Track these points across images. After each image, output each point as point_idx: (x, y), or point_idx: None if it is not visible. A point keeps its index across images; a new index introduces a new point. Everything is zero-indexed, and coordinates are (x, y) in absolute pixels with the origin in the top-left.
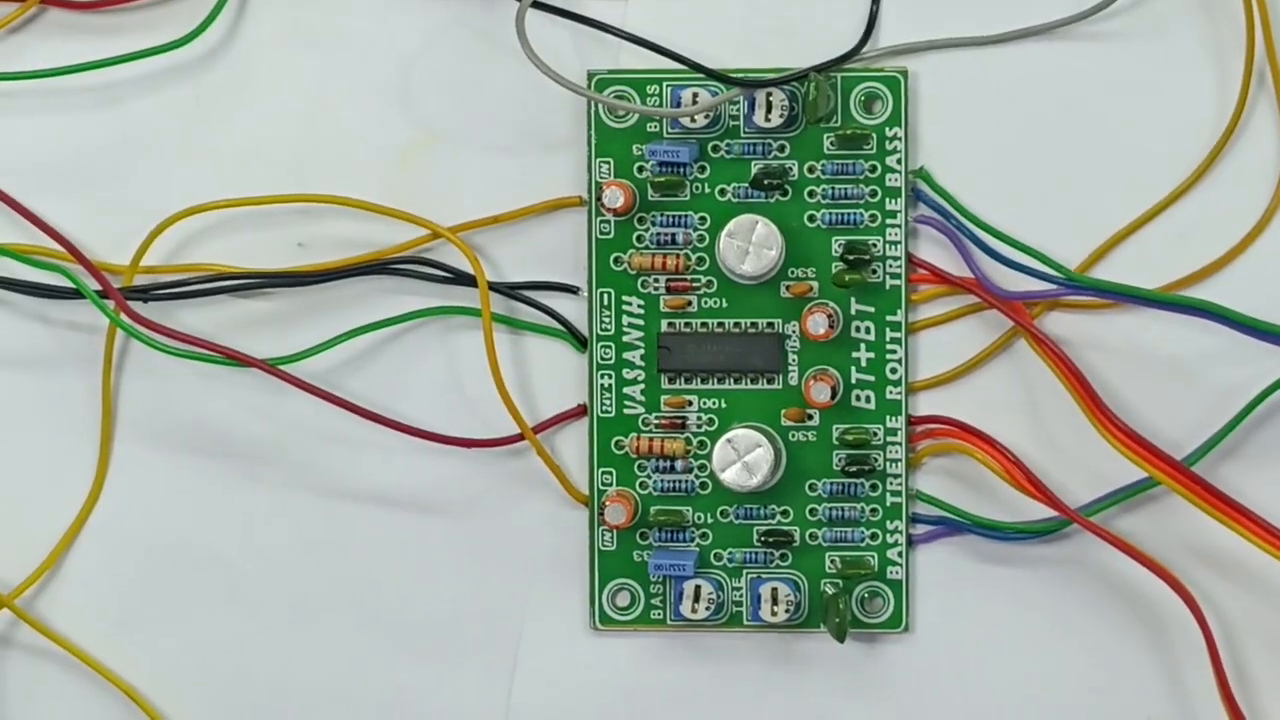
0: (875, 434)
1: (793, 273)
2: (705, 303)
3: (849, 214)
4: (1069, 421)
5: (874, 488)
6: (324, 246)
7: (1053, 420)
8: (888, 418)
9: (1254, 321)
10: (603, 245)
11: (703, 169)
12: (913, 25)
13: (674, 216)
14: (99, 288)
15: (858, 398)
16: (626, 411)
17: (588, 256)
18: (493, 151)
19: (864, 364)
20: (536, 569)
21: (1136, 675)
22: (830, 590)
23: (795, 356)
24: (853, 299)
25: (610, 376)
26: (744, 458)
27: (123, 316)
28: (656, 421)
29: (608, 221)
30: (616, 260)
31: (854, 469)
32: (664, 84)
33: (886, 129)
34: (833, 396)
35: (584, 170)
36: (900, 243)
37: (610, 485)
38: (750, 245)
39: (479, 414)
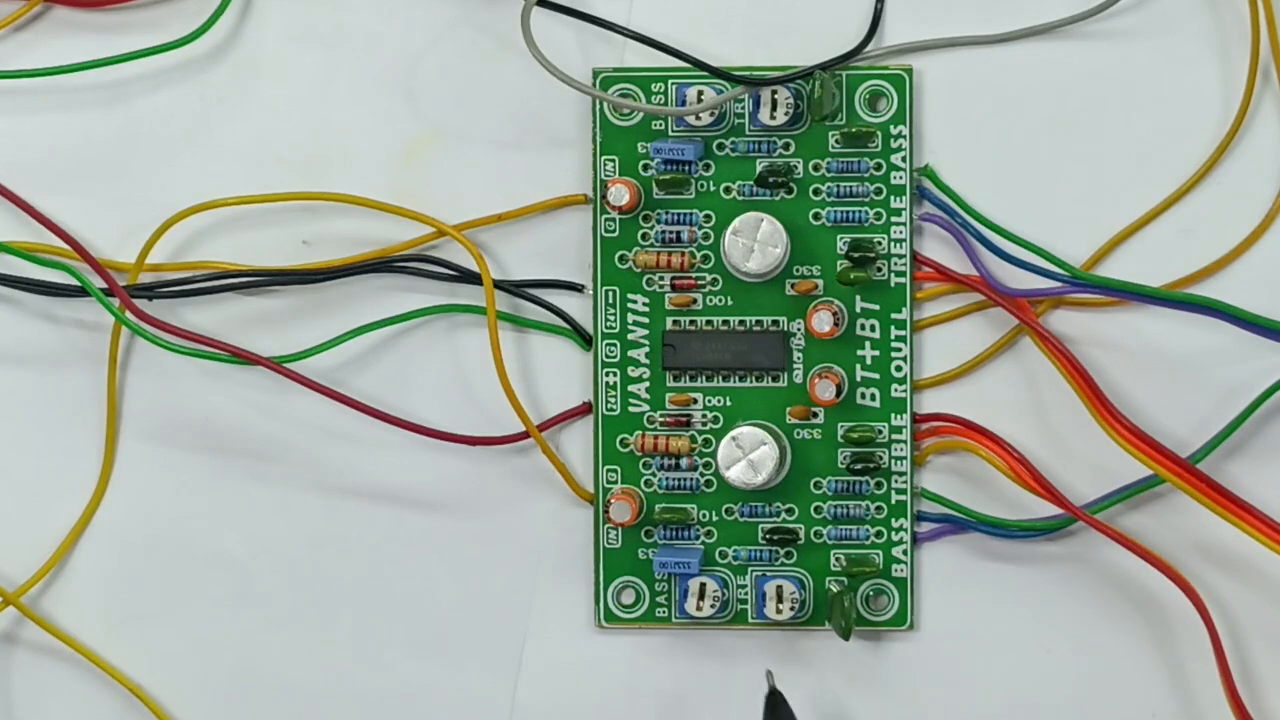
0: (880, 432)
1: (798, 270)
2: (710, 300)
3: (854, 212)
4: (1074, 419)
5: (879, 485)
6: (329, 244)
7: (1058, 418)
8: (893, 415)
9: (1259, 319)
10: (608, 243)
11: (708, 167)
12: (918, 23)
13: (679, 214)
14: (104, 286)
15: (863, 395)
16: (631, 409)
17: (593, 254)
18: (498, 149)
19: (869, 362)
20: (541, 567)
21: (1141, 672)
22: (835, 588)
23: (800, 354)
24: (858, 297)
25: (615, 374)
26: (749, 455)
27: (128, 314)
28: (661, 419)
29: (613, 219)
30: (621, 258)
31: (859, 467)
32: (669, 82)
33: (891, 127)
34: (838, 394)
35: (589, 168)
36: (905, 240)
37: (615, 483)
38: (755, 243)
39: (484, 412)
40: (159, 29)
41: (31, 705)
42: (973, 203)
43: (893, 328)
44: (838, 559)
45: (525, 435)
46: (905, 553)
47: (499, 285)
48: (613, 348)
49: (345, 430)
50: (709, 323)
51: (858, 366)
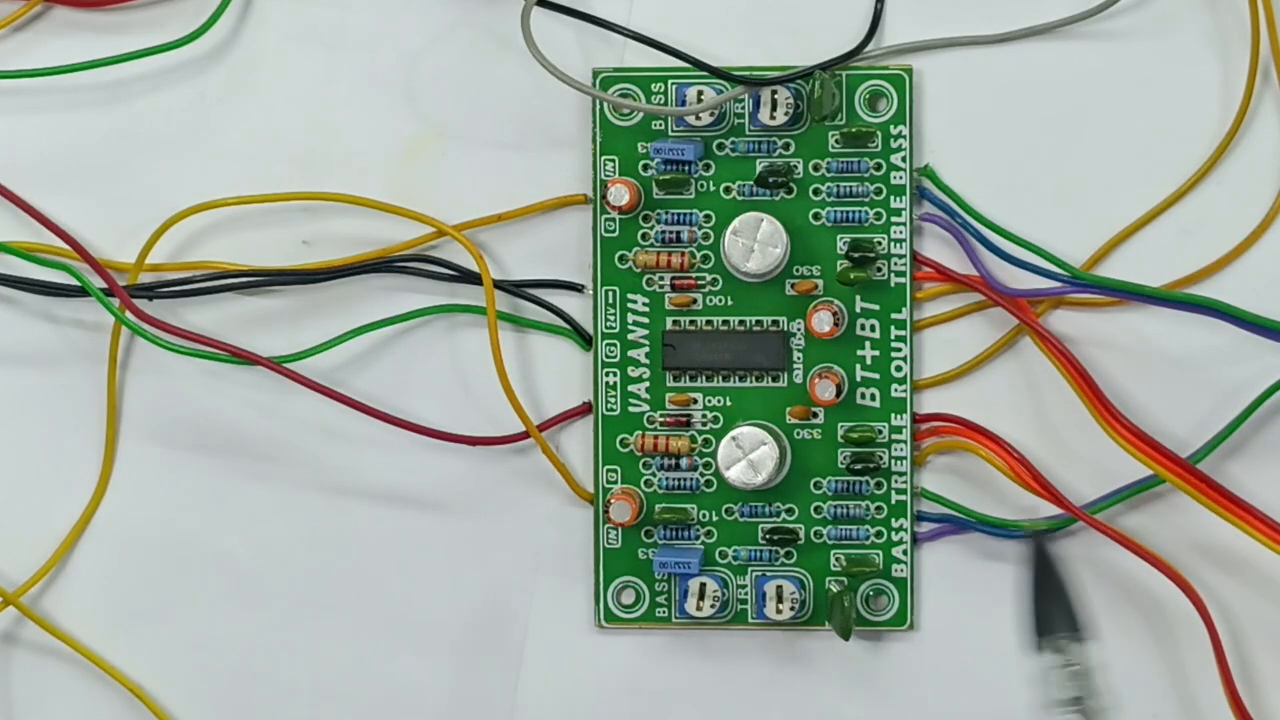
0: (880, 432)
1: (798, 270)
2: (710, 300)
3: (854, 212)
4: (1074, 419)
5: (879, 485)
6: (329, 244)
7: (1058, 418)
8: (892, 415)
9: (1259, 319)
10: (608, 243)
11: (708, 167)
12: (918, 23)
13: (679, 214)
14: (104, 286)
15: (863, 395)
16: (631, 409)
17: (593, 254)
18: (498, 149)
19: (869, 362)
20: (541, 567)
21: (1142, 673)
22: (835, 588)
23: (800, 354)
24: (857, 297)
25: (615, 374)
26: (749, 455)
27: (128, 314)
28: (661, 419)
29: (613, 219)
30: (621, 258)
31: (859, 467)
32: (669, 82)
33: (891, 127)
34: (838, 394)
35: (589, 168)
36: (905, 240)
37: (615, 483)
38: (755, 243)
39: (484, 412)
40: (159, 29)
41: (31, 705)
42: (973, 203)
43: (892, 328)
44: (838, 559)
45: (525, 435)
46: (905, 553)
47: (499, 285)
48: (613, 348)
49: (345, 430)
50: (709, 323)
51: (858, 366)
